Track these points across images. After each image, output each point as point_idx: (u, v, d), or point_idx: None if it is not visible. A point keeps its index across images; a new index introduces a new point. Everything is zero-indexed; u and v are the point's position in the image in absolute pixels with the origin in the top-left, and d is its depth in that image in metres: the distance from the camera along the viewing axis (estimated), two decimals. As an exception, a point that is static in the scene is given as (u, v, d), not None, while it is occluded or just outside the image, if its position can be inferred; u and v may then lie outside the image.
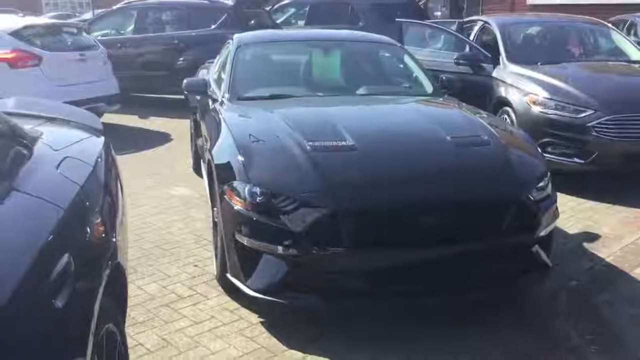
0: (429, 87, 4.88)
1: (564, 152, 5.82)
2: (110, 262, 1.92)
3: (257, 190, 3.19)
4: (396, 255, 3.10)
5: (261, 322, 3.37)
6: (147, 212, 5.23)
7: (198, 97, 5.39)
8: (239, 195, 3.24)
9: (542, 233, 3.42)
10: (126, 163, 6.93)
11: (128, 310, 3.49)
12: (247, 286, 3.23)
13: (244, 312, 3.47)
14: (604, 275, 4.14)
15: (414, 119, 4.07)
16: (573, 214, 5.22)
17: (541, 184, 3.48)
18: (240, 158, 3.37)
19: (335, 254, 3.05)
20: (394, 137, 3.66)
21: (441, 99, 4.68)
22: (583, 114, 5.74)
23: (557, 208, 3.65)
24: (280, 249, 3.11)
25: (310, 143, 3.41)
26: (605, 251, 4.48)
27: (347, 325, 3.30)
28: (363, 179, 3.20)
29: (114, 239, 2.06)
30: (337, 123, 3.68)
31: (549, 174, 3.63)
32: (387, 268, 3.12)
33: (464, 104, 4.64)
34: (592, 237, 4.80)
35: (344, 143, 3.44)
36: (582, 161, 5.71)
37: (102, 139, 2.81)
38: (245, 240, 3.21)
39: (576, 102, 5.82)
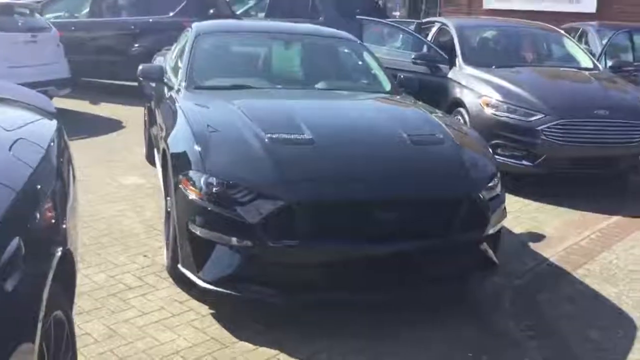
0: (387, 85, 4.93)
1: (514, 154, 5.96)
2: (60, 248, 1.87)
3: (214, 180, 3.16)
4: (350, 250, 3.13)
5: (212, 314, 3.35)
6: (96, 200, 5.11)
7: (153, 85, 5.29)
8: (194, 185, 3.21)
9: (491, 231, 3.51)
10: (76, 149, 6.76)
11: (75, 299, 3.44)
12: (199, 277, 3.21)
13: (194, 303, 3.43)
14: (546, 274, 4.27)
15: (372, 115, 4.11)
16: (519, 214, 5.36)
17: (491, 184, 3.56)
18: (197, 148, 3.33)
19: (290, 246, 3.06)
20: (351, 133, 3.69)
21: (399, 97, 4.73)
22: (533, 118, 5.89)
23: (505, 208, 3.75)
24: (234, 240, 3.10)
25: (268, 135, 3.40)
26: (549, 251, 4.62)
27: (300, 317, 3.31)
28: (320, 173, 3.22)
29: (64, 225, 2.01)
30: (296, 116, 3.69)
31: (498, 174, 3.72)
32: (340, 262, 3.14)
33: (420, 102, 4.71)
34: (537, 237, 4.94)
35: (302, 136, 3.45)
36: (531, 164, 5.87)
37: (55, 122, 2.73)
38: (198, 231, 3.18)
39: (527, 106, 5.97)
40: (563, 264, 4.40)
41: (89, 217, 4.71)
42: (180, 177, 3.31)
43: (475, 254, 3.50)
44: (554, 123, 5.80)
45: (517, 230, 4.98)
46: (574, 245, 4.79)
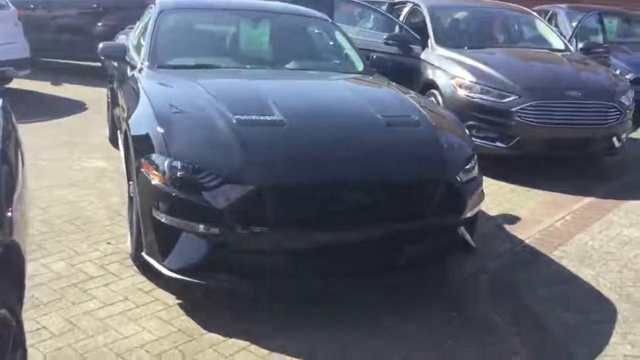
0: (359, 65, 4.77)
1: (488, 135, 5.90)
2: (3, 239, 1.68)
3: (178, 164, 2.98)
4: (323, 235, 2.99)
5: (179, 304, 3.19)
6: (57, 185, 4.88)
7: (115, 64, 5.05)
8: (157, 169, 3.03)
9: (469, 214, 3.41)
10: (36, 132, 6.52)
11: (31, 290, 3.24)
12: (164, 266, 3.04)
13: (160, 293, 3.27)
14: (522, 257, 4.21)
15: (344, 96, 3.95)
16: (493, 196, 5.28)
17: (468, 166, 3.46)
18: (160, 129, 3.14)
19: (260, 233, 2.91)
20: (324, 114, 3.53)
21: (371, 78, 4.59)
22: (507, 99, 5.83)
23: (482, 190, 3.65)
24: (201, 227, 2.93)
25: (236, 116, 3.23)
26: (524, 233, 4.56)
27: (270, 306, 3.17)
28: (291, 156, 3.06)
29: (9, 214, 1.83)
30: (266, 97, 3.51)
31: (475, 156, 3.62)
32: (312, 249, 3.00)
33: (393, 83, 4.57)
34: (512, 219, 4.88)
35: (272, 118, 3.28)
36: (505, 145, 5.82)
37: (0, 101, 2.52)
38: (163, 218, 3.01)
39: (501, 87, 5.91)
40: (538, 246, 4.35)
41: (49, 203, 4.49)
42: (143, 160, 3.12)
43: (453, 238, 3.40)
44: (528, 104, 5.75)
45: (491, 212, 4.90)
46: (549, 227, 4.74)
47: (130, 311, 3.11)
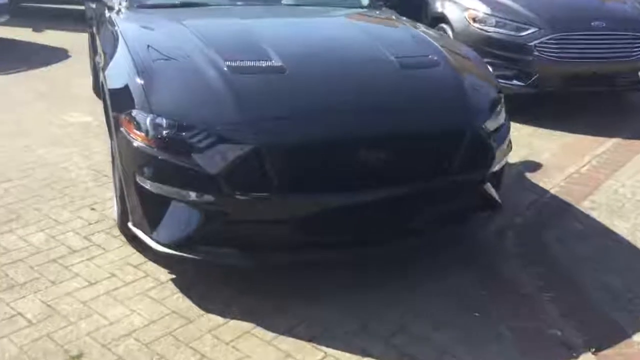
0: (364, -2, 4.25)
1: (504, 73, 5.42)
2: None
3: (163, 121, 2.55)
4: (333, 200, 2.59)
5: (172, 280, 2.82)
6: (37, 143, 4.46)
7: (93, 5, 4.53)
8: (139, 127, 2.60)
9: (496, 168, 3.00)
10: (13, 84, 6.05)
11: (6, 268, 2.88)
12: (153, 239, 2.66)
13: (151, 267, 2.90)
14: (549, 209, 3.83)
15: (351, 35, 3.45)
16: (512, 140, 4.87)
17: (495, 112, 3.02)
18: (140, 80, 2.69)
19: (261, 199, 2.50)
20: (329, 57, 3.05)
21: (378, 12, 4.09)
22: (525, 32, 5.37)
23: (510, 139, 3.23)
24: (192, 194, 2.53)
25: (228, 63, 2.77)
26: (548, 182, 4.18)
27: (273, 280, 2.81)
28: (293, 108, 2.62)
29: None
30: (261, 39, 3.04)
31: (503, 100, 3.18)
32: (322, 215, 2.60)
33: (404, 18, 4.07)
34: (534, 166, 4.50)
35: (269, 63, 2.82)
36: (522, 83, 5.40)
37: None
38: (148, 184, 2.60)
39: (518, 19, 5.44)
40: (565, 196, 3.97)
41: (27, 164, 4.09)
42: (121, 118, 2.69)
43: (479, 194, 3.00)
44: (548, 37, 5.28)
45: (511, 159, 4.48)
46: (574, 173, 4.35)
47: (117, 290, 2.75)
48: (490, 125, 2.95)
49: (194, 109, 2.59)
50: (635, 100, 6.12)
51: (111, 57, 3.10)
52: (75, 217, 3.40)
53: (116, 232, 3.19)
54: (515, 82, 5.39)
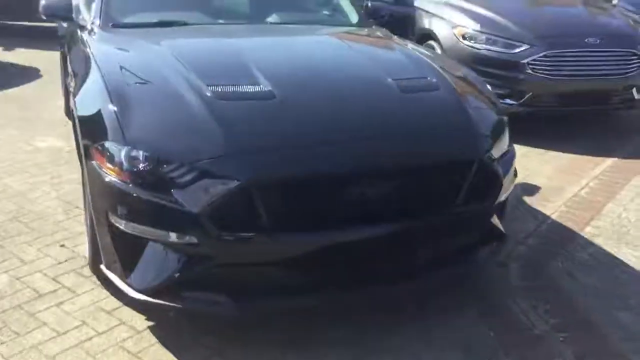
0: (353, 16, 4.03)
1: (496, 92, 5.21)
2: None
3: (139, 154, 2.28)
4: (330, 239, 2.33)
5: (150, 328, 2.54)
6: (3, 171, 4.16)
7: (65, 24, 4.26)
8: (112, 160, 2.32)
9: (503, 197, 2.78)
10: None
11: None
12: (128, 284, 2.37)
13: (126, 313, 2.62)
14: (553, 236, 3.62)
15: (345, 55, 3.21)
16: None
17: (501, 138, 2.81)
18: (112, 107, 2.42)
19: (250, 240, 2.24)
20: (322, 80, 2.81)
21: (369, 30, 3.86)
22: (517, 50, 5.20)
23: (515, 167, 3.01)
24: (173, 236, 2.26)
25: (211, 88, 2.52)
26: (548, 206, 3.98)
27: (265, 328, 2.54)
28: (284, 138, 2.36)
29: None
30: (247, 60, 2.78)
31: (507, 122, 2.97)
32: (317, 256, 2.34)
33: (395, 36, 3.86)
34: (531, 189, 4.30)
35: (257, 88, 2.57)
36: (515, 102, 5.20)
37: None
38: (123, 224, 2.33)
39: (509, 36, 5.28)
40: (567, 221, 3.76)
41: (-8, 195, 3.78)
42: (93, 149, 2.42)
43: (484, 227, 2.77)
44: (541, 55, 5.12)
45: (508, 182, 4.29)
46: (573, 197, 4.16)
47: (89, 341, 2.46)
48: (497, 152, 2.73)
49: (174, 140, 2.33)
50: (627, 119, 5.97)
51: (82, 82, 2.83)
52: (43, 255, 3.10)
53: (87, 272, 2.89)
54: (507, 101, 5.19)
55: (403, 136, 2.51)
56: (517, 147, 4.91)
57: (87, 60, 2.98)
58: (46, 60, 7.45)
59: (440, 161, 2.54)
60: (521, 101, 5.17)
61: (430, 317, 2.69)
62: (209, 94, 2.47)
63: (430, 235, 2.58)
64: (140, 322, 2.57)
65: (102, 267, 2.53)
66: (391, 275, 2.51)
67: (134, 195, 2.27)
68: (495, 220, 2.83)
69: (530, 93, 5.14)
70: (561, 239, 3.57)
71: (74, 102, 2.78)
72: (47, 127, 5.12)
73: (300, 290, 2.38)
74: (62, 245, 3.20)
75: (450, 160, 2.56)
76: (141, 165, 2.27)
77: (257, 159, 2.26)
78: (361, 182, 2.37)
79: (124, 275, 2.39)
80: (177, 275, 2.28)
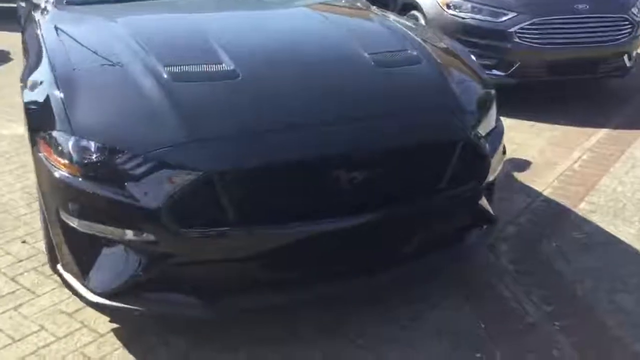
0: (330, -14, 3.77)
1: (483, 63, 4.99)
2: None
3: (90, 144, 2.06)
4: (303, 231, 2.13)
5: (113, 331, 2.35)
6: (-36, 162, 3.92)
7: (23, 3, 3.99)
8: (60, 152, 2.10)
9: (491, 178, 2.59)
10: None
11: None
12: (86, 287, 2.17)
13: (88, 314, 2.43)
14: (545, 214, 3.44)
15: (317, 28, 2.96)
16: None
17: (489, 114, 2.61)
18: (59, 94, 2.20)
19: (214, 235, 2.04)
20: (291, 57, 2.56)
21: (345, 1, 3.62)
22: (503, 18, 4.99)
23: (504, 144, 2.81)
24: (129, 233, 2.06)
25: (168, 68, 2.29)
26: (539, 182, 3.80)
27: (238, 327, 2.36)
28: (249, 122, 2.14)
29: None
30: (209, 37, 2.54)
31: (494, 96, 2.77)
32: (293, 249, 2.15)
33: (374, 6, 3.62)
34: (522, 164, 4.11)
35: (219, 67, 2.34)
36: (503, 73, 5.01)
37: None
38: (75, 222, 2.12)
39: (495, 4, 5.04)
40: (561, 197, 3.59)
41: (-50, 188, 3.56)
42: (39, 140, 2.20)
43: (472, 210, 2.58)
44: (528, 23, 4.91)
45: (497, 157, 4.10)
46: (566, 171, 3.99)
47: (47, 348, 2.27)
48: (484, 129, 2.53)
49: (127, 128, 2.10)
50: (619, 87, 5.77)
51: (31, 65, 2.60)
52: (2, 253, 2.90)
53: (49, 270, 2.68)
54: (495, 72, 4.99)
55: (379, 116, 2.30)
56: (505, 119, 4.70)
57: (37, 41, 2.74)
58: (17, 42, 7.13)
59: (421, 142, 2.33)
60: (509, 72, 4.98)
61: (414, 306, 2.52)
62: (165, 76, 2.24)
63: (412, 222, 2.39)
64: (104, 325, 2.38)
65: (59, 267, 2.32)
66: (372, 265, 2.32)
67: (85, 190, 2.05)
68: (483, 202, 2.64)
69: (519, 63, 4.94)
70: (554, 217, 3.40)
71: (21, 87, 2.54)
72: (13, 113, 4.87)
73: (272, 288, 2.19)
74: (24, 242, 2.99)
75: (432, 141, 2.36)
76: (91, 157, 2.05)
77: (218, 146, 2.04)
78: (335, 169, 2.16)
79: (81, 277, 2.19)
80: (136, 276, 2.08)
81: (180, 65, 2.31)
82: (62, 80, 2.25)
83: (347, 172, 2.17)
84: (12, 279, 2.69)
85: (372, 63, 2.53)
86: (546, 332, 2.44)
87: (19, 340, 2.31)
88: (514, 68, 4.96)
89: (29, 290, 2.61)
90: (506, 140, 4.40)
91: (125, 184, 2.02)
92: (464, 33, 5.05)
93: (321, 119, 2.20)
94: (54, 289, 2.61)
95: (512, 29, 4.90)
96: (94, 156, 2.05)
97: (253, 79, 2.29)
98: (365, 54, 2.56)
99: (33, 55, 2.70)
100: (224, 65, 2.35)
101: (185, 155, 2.01)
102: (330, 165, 2.15)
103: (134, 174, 2.02)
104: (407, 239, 2.41)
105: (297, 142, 2.13)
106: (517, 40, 4.90)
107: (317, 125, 2.18)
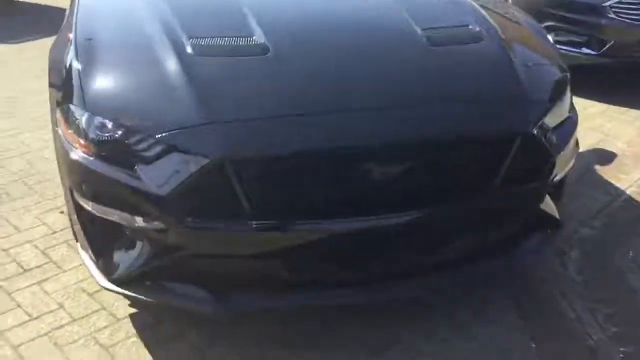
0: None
1: (571, 40, 4.58)
2: None
3: (106, 122, 1.91)
4: (335, 228, 1.90)
5: (130, 317, 2.23)
6: (21, 127, 3.93)
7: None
8: (75, 128, 1.97)
9: (558, 177, 2.24)
10: (18, 55, 5.54)
11: None
12: (99, 270, 2.05)
13: (109, 296, 2.31)
14: (624, 217, 3.05)
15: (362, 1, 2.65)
16: (579, 122, 4.03)
17: (559, 103, 2.25)
18: (77, 65, 2.05)
19: (228, 227, 1.85)
20: (330, 31, 2.29)
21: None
22: (598, -10, 4.45)
23: (577, 138, 2.45)
24: (139, 220, 1.90)
25: (192, 40, 2.08)
26: (624, 178, 3.40)
27: (254, 326, 2.18)
28: (276, 104, 1.91)
29: None
30: (242, 6, 2.31)
31: (568, 81, 2.40)
32: (314, 248, 1.92)
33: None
34: (605, 156, 3.69)
35: (249, 41, 2.12)
36: (594, 52, 4.54)
37: None
38: (89, 205, 1.98)
39: (590, -27, 4.51)
40: (646, 198, 3.17)
41: (5, 152, 3.58)
42: (58, 113, 2.07)
43: (532, 213, 2.25)
44: (627, -4, 4.35)
45: (577, 147, 3.68)
46: (657, 168, 3.52)
47: (61, 329, 2.18)
48: (553, 120, 2.18)
49: (142, 107, 1.93)
50: None
51: (61, 31, 2.47)
52: (38, 224, 2.85)
53: (79, 245, 2.61)
54: (585, 50, 4.53)
55: (427, 103, 2.01)
56: (593, 103, 4.38)
57: (72, 5, 2.61)
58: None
59: (474, 134, 2.02)
60: (601, 51, 4.48)
61: (461, 318, 2.25)
62: (189, 49, 2.04)
63: (460, 224, 2.10)
64: (123, 309, 2.27)
65: (78, 245, 2.22)
66: (413, 270, 2.07)
67: (97, 171, 1.91)
68: (547, 203, 2.31)
69: (612, 41, 4.44)
70: (634, 222, 3.00)
71: (49, 55, 2.43)
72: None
73: (296, 288, 1.99)
74: (62, 212, 2.93)
75: (486, 133, 2.04)
76: (107, 135, 1.90)
77: (235, 129, 1.83)
78: (372, 158, 1.90)
79: (95, 259, 2.07)
80: (144, 265, 1.93)
81: (206, 38, 2.09)
82: (82, 50, 2.09)
83: (388, 163, 1.92)
84: (43, 252, 2.63)
85: (425, 40, 2.22)
86: (609, 356, 2.11)
87: (35, 318, 2.24)
88: (607, 46, 4.46)
89: (56, 264, 2.54)
90: (592, 128, 4.03)
91: (135, 166, 1.86)
92: (552, 6, 4.60)
93: (358, 104, 1.93)
94: (80, 264, 2.51)
95: (607, 3, 4.39)
96: (105, 135, 1.89)
97: (284, 55, 2.04)
98: (418, 30, 2.25)
99: (66, 21, 2.58)
100: (254, 38, 2.11)
101: (197, 139, 1.82)
102: (368, 155, 1.90)
103: (144, 155, 1.85)
104: (451, 243, 2.12)
105: (327, 128, 1.88)
106: (611, 15, 4.39)
107: (352, 111, 1.92)
